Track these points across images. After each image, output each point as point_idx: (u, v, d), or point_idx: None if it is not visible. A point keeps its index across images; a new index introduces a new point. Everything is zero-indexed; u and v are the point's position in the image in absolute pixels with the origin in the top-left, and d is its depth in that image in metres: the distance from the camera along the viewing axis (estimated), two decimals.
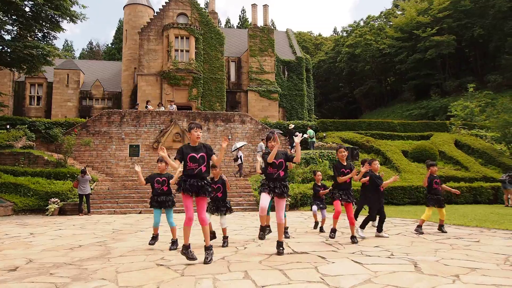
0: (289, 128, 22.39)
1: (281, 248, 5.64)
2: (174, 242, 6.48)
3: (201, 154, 5.17)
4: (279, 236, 5.76)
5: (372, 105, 58.70)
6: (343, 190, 6.85)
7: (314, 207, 8.83)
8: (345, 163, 6.90)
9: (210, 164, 5.40)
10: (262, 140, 21.01)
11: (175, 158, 5.24)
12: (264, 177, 5.89)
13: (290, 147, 21.85)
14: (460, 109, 30.36)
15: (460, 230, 8.35)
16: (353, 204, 6.87)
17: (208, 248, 5.17)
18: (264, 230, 6.32)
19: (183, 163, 5.17)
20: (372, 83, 56.25)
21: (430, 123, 26.67)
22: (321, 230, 8.47)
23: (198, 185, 5.08)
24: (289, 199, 15.38)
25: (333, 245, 6.53)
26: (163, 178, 6.58)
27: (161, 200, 6.49)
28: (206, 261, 5.07)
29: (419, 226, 7.94)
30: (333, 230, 7.13)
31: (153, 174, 6.76)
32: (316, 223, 8.82)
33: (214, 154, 5.31)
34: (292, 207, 15.47)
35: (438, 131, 25.26)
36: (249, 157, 22.03)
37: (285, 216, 7.80)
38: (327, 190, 8.48)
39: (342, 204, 6.91)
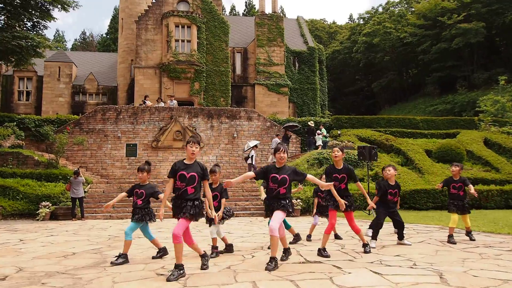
0: (309, 125, 22.40)
1: (270, 264, 5.34)
2: (160, 250, 6.52)
3: (192, 173, 5.07)
4: (272, 251, 5.45)
5: (391, 100, 58.38)
6: (341, 196, 6.27)
7: (316, 219, 8.59)
8: (340, 167, 6.51)
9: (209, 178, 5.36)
10: (277, 135, 21.18)
11: (168, 176, 5.21)
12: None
13: (308, 147, 21.84)
14: (490, 104, 30.09)
15: (490, 238, 8.30)
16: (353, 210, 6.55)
17: (177, 266, 4.97)
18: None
19: (172, 180, 5.16)
20: (392, 75, 55.94)
21: (457, 120, 26.49)
22: (337, 237, 8.47)
23: (181, 207, 5.03)
24: (300, 203, 15.45)
25: (349, 253, 6.53)
26: (141, 190, 6.32)
27: (136, 214, 6.25)
28: (169, 279, 4.79)
29: (450, 236, 7.71)
30: (323, 249, 6.32)
31: (134, 185, 6.54)
32: (309, 236, 8.45)
33: (208, 179, 5.29)
34: (303, 211, 15.49)
35: (466, 128, 25.07)
36: (256, 156, 22.05)
37: (289, 227, 7.73)
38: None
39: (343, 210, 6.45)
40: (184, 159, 5.25)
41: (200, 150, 5.02)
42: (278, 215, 5.44)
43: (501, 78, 34.05)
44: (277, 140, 20.34)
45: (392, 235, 8.65)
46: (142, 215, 6.23)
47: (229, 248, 6.84)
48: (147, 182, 6.46)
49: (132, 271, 5.44)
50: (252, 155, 19.55)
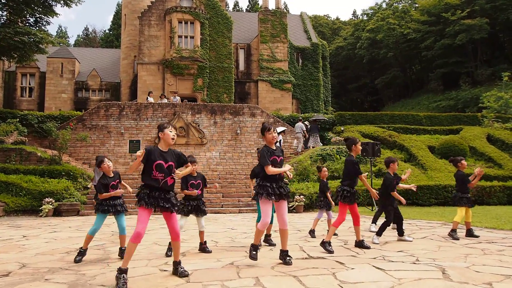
0: (306, 124, 22.74)
1: (289, 258, 5.35)
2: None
3: (114, 182, 4.70)
4: (283, 245, 5.39)
5: (395, 96, 58.26)
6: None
7: (321, 214, 8.48)
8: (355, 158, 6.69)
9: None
10: (299, 120, 21.85)
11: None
12: (260, 179, 5.27)
13: (305, 144, 21.93)
14: (493, 100, 29.97)
15: (492, 234, 8.28)
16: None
17: (178, 263, 4.85)
18: (257, 249, 5.37)
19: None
20: (396, 72, 55.77)
21: (460, 116, 26.43)
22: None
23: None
24: (303, 199, 15.40)
25: (352, 249, 6.53)
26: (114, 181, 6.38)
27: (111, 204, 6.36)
28: (183, 275, 4.74)
29: (454, 230, 7.63)
30: (328, 243, 6.27)
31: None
32: (313, 230, 8.28)
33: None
34: (307, 207, 15.46)
35: (469, 124, 25.02)
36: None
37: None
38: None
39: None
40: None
41: (203, 146, 4.82)
42: (286, 208, 5.36)
43: (505, 74, 33.85)
44: (301, 124, 20.78)
45: (394, 230, 8.63)
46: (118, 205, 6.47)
47: (204, 247, 6.53)
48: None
49: (135, 267, 5.45)
50: (280, 140, 19.88)
